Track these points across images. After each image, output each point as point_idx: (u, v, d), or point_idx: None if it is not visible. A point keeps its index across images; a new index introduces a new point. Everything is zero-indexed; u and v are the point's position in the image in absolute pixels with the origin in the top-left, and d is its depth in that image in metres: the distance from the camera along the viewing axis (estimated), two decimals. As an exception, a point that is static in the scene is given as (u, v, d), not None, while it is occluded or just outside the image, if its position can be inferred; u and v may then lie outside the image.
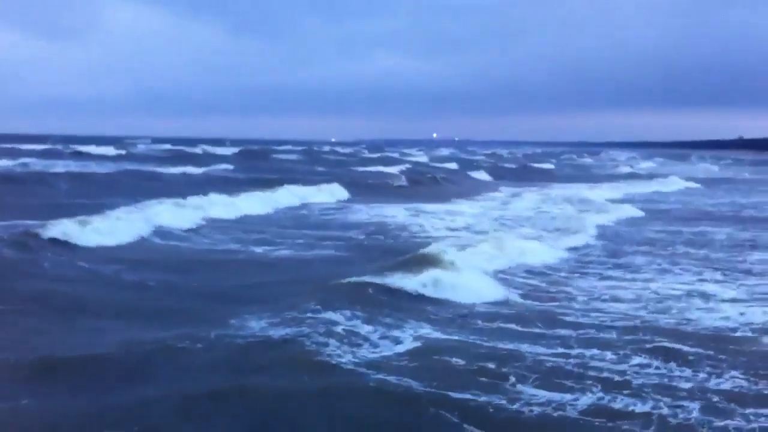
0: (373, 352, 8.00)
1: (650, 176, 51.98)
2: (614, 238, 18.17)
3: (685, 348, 8.41)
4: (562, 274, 13.21)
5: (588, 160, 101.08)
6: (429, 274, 11.46)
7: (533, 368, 7.58)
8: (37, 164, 45.96)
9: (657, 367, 7.82)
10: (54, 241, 14.50)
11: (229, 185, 32.41)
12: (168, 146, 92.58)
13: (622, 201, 30.44)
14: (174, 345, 7.90)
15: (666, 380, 7.41)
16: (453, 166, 59.20)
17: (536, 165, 69.04)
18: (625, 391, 7.07)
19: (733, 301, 11.00)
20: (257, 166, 54.44)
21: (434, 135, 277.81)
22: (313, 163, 62.39)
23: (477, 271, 12.20)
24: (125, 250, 14.97)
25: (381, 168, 51.00)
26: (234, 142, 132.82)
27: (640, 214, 24.68)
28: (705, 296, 11.28)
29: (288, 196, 25.60)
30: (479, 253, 14.03)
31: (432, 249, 14.45)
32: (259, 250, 15.48)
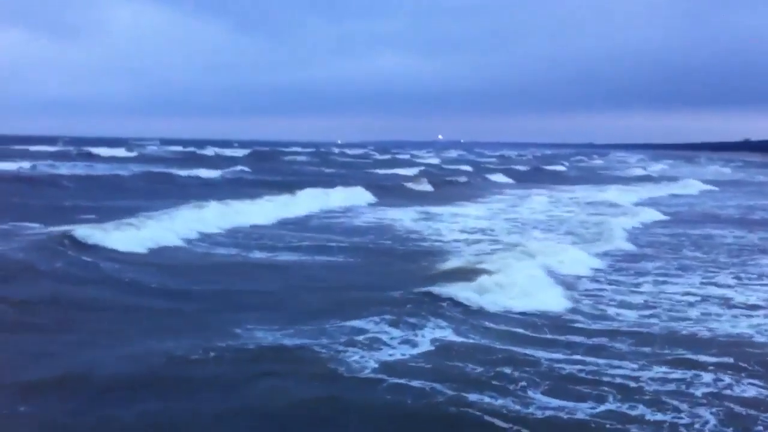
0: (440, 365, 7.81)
1: (665, 179, 51.65)
2: (645, 242, 17.93)
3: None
4: (607, 280, 13.01)
5: (599, 161, 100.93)
6: (479, 283, 11.19)
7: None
8: (52, 166, 45.81)
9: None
10: (84, 246, 14.28)
11: (252, 188, 32.30)
12: (180, 148, 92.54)
13: (643, 204, 30.26)
14: (200, 354, 7.72)
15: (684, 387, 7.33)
16: (467, 168, 58.93)
17: (550, 167, 68.63)
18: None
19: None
20: (273, 168, 54.31)
21: (439, 136, 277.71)
22: (327, 165, 62.12)
23: (528, 279, 11.94)
24: (157, 255, 14.70)
25: (398, 170, 50.83)
26: (241, 144, 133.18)
27: (664, 217, 24.41)
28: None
29: (316, 199, 25.29)
30: (522, 258, 13.84)
31: (480, 257, 14.30)
32: (303, 257, 15.05)
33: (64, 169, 43.99)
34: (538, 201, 30.02)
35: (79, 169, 44.89)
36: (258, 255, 15.24)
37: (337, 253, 15.60)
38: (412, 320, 9.26)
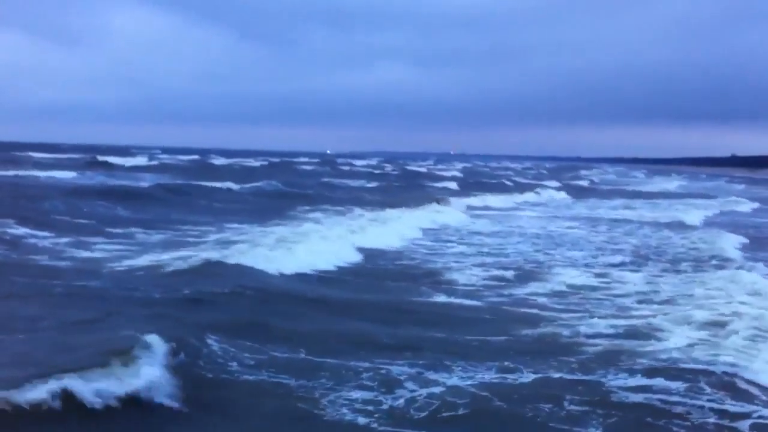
0: None
1: (699, 196, 50.59)
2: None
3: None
4: None
5: (611, 176, 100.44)
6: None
7: None
8: (89, 177, 44.35)
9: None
10: (240, 269, 13.34)
11: (325, 201, 31.32)
12: (194, 157, 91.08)
13: (706, 224, 27.95)
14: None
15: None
16: (506, 182, 58.08)
17: (575, 182, 67.94)
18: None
19: None
20: (302, 182, 51.69)
21: (429, 149, 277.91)
22: (353, 178, 60.14)
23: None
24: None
25: (446, 184, 50.03)
26: (242, 153, 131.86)
27: (745, 240, 22.31)
28: None
29: (433, 217, 24.63)
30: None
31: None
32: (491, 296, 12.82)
33: (104, 179, 42.68)
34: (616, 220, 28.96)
35: (121, 179, 43.50)
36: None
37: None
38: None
